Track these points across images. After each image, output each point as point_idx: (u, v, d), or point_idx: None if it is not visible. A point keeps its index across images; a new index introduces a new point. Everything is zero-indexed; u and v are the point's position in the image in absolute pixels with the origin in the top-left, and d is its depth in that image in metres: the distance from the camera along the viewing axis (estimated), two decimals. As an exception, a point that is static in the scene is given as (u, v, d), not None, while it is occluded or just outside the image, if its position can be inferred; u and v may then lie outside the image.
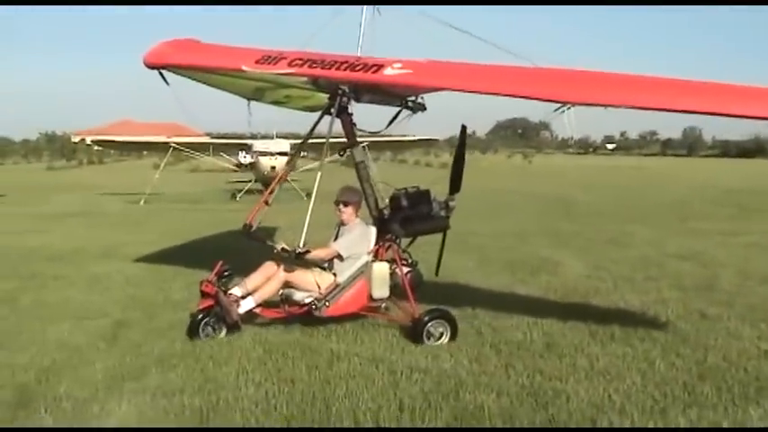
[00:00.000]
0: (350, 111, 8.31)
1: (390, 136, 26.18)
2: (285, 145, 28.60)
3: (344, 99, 8.01)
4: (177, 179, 39.35)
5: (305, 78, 7.99)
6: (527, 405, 5.68)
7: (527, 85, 6.59)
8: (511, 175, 50.52)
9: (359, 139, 8.63)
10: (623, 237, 16.05)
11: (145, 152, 60.92)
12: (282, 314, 7.90)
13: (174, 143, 30.01)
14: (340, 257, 7.95)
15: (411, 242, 8.36)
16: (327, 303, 7.69)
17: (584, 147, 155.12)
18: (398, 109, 8.47)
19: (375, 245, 8.06)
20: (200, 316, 7.53)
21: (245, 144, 31.80)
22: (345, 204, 8.14)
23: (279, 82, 8.66)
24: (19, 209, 23.52)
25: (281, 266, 7.77)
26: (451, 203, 8.22)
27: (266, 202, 8.45)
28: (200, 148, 33.61)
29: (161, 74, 8.13)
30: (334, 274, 7.92)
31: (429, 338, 7.40)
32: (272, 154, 27.95)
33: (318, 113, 8.37)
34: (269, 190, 8.63)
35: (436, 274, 8.59)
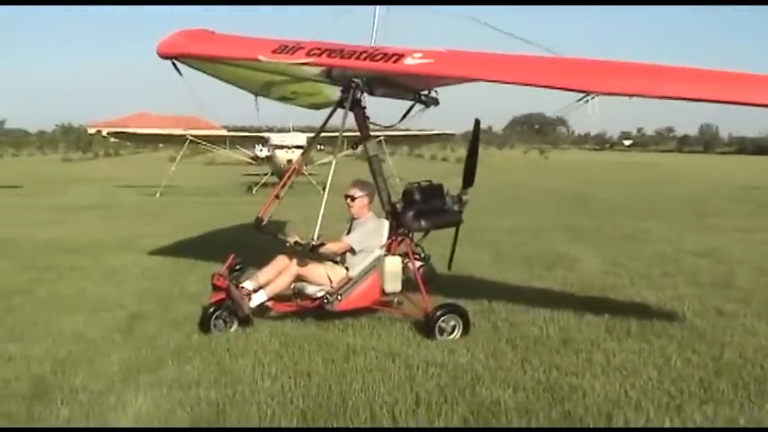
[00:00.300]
0: (363, 104, 8.29)
1: (407, 130, 26.16)
2: (302, 138, 28.67)
3: (358, 92, 7.99)
4: (193, 172, 39.48)
5: (318, 71, 7.96)
6: (543, 400, 5.66)
7: (550, 74, 6.49)
8: (527, 170, 50.38)
9: (374, 133, 8.60)
10: (640, 233, 15.96)
11: (161, 144, 61.27)
12: (294, 308, 7.91)
13: (191, 136, 30.12)
14: (352, 251, 7.93)
15: (424, 236, 8.34)
16: (339, 297, 7.68)
17: (601, 143, 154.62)
18: (412, 103, 8.45)
19: (388, 239, 8.04)
20: (211, 309, 7.53)
21: (262, 137, 31.87)
22: (353, 198, 8.12)
23: (291, 74, 8.61)
24: (35, 200, 23.69)
25: (293, 260, 7.76)
26: (465, 198, 8.18)
27: (277, 196, 8.43)
28: (217, 140, 33.73)
29: (174, 64, 8.11)
30: (347, 268, 7.91)
31: (441, 333, 7.38)
32: (288, 147, 28.01)
33: (330, 108, 8.33)
34: (281, 184, 8.60)
35: (449, 268, 8.56)
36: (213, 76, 9.19)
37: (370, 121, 8.46)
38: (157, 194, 25.58)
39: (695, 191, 29.91)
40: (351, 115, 8.09)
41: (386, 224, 8.10)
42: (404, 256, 8.00)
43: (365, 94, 8.16)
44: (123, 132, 37.08)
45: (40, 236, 14.74)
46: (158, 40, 8.09)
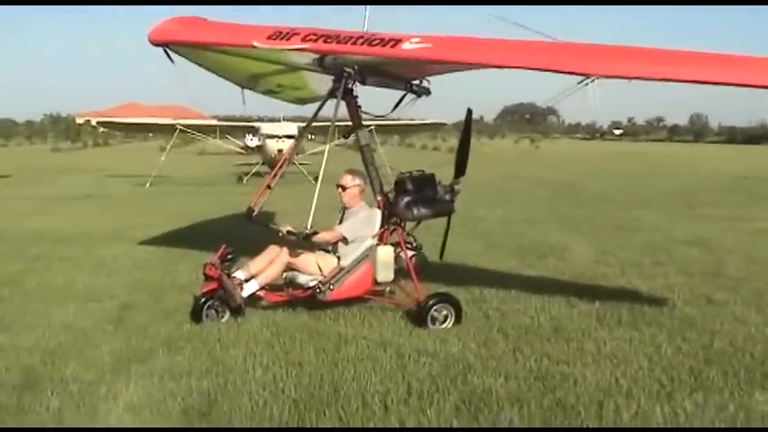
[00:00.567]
0: (355, 93, 8.26)
1: (398, 119, 26.12)
2: (292, 128, 28.63)
3: (350, 81, 7.95)
4: (184, 162, 39.35)
5: (311, 59, 7.89)
6: (535, 389, 5.67)
7: (550, 57, 6.41)
8: (518, 160, 50.44)
9: (365, 123, 8.58)
10: (631, 223, 16.02)
11: (150, 134, 60.99)
12: (286, 298, 7.90)
13: (180, 125, 30.00)
14: (345, 240, 7.92)
15: (416, 226, 8.33)
16: (331, 287, 7.67)
17: (591, 132, 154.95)
18: (403, 93, 8.41)
19: (380, 228, 8.03)
20: (203, 299, 7.51)
21: (252, 127, 31.77)
22: (344, 188, 8.10)
23: (284, 62, 8.54)
24: (25, 191, 23.59)
25: (285, 249, 7.75)
26: (457, 187, 8.17)
27: (269, 186, 8.39)
28: (207, 130, 33.61)
29: (166, 51, 8.03)
30: (338, 258, 7.91)
31: (434, 323, 7.39)
32: (278, 137, 27.96)
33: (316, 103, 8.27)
34: (273, 174, 8.55)
35: (440, 258, 8.55)
36: (202, 65, 9.12)
37: (363, 110, 8.43)
38: (147, 184, 25.49)
39: (686, 180, 30.02)
40: (342, 105, 8.06)
41: (378, 213, 8.09)
42: (396, 245, 8.00)
43: (357, 84, 8.12)
44: (112, 122, 36.88)
45: (28, 226, 14.68)
46: (150, 28, 8.01)
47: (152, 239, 12.77)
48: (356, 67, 7.74)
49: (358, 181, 8.17)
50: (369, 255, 7.85)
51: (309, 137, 31.65)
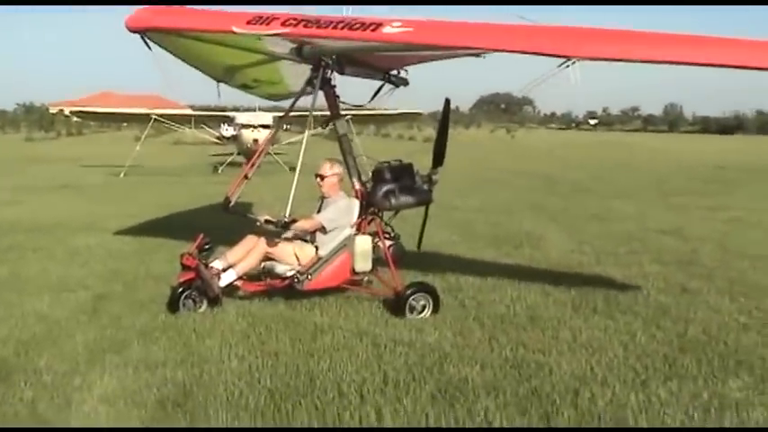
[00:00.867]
0: (333, 83, 8.22)
1: (373, 109, 26.10)
2: (268, 118, 28.45)
3: (328, 71, 7.91)
4: (159, 151, 39.11)
5: (289, 49, 7.82)
6: (510, 377, 5.70)
7: (531, 40, 6.32)
8: (494, 150, 50.55)
9: (342, 113, 8.55)
10: (606, 212, 16.13)
11: (125, 124, 60.43)
12: (264, 288, 7.87)
13: (155, 115, 29.74)
14: (323, 230, 7.90)
15: (394, 215, 8.33)
16: (309, 277, 7.66)
17: (567, 122, 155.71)
18: (381, 83, 8.38)
19: (358, 218, 8.03)
20: (180, 289, 7.47)
21: (228, 116, 31.55)
22: (323, 177, 8.08)
23: (263, 50, 8.45)
24: (-3, 181, 23.28)
25: (262, 239, 7.72)
26: (434, 177, 8.17)
27: (246, 177, 8.34)
28: (182, 120, 33.32)
29: (144, 38, 7.91)
30: (317, 247, 7.89)
31: (412, 312, 7.41)
32: (254, 127, 27.81)
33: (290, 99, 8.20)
34: (250, 164, 8.48)
35: (418, 248, 8.57)
36: (179, 57, 9.00)
37: (340, 100, 8.39)
38: (122, 174, 25.28)
39: (661, 170, 30.24)
40: (320, 95, 8.02)
41: (356, 203, 8.08)
42: (374, 235, 7.99)
43: (335, 73, 8.08)
44: (86, 111, 36.43)
45: (1, 216, 14.50)
46: (128, 15, 7.88)
47: (127, 230, 12.67)
48: (334, 57, 7.71)
49: (337, 170, 8.14)
50: (347, 244, 7.84)
51: (285, 127, 31.47)
